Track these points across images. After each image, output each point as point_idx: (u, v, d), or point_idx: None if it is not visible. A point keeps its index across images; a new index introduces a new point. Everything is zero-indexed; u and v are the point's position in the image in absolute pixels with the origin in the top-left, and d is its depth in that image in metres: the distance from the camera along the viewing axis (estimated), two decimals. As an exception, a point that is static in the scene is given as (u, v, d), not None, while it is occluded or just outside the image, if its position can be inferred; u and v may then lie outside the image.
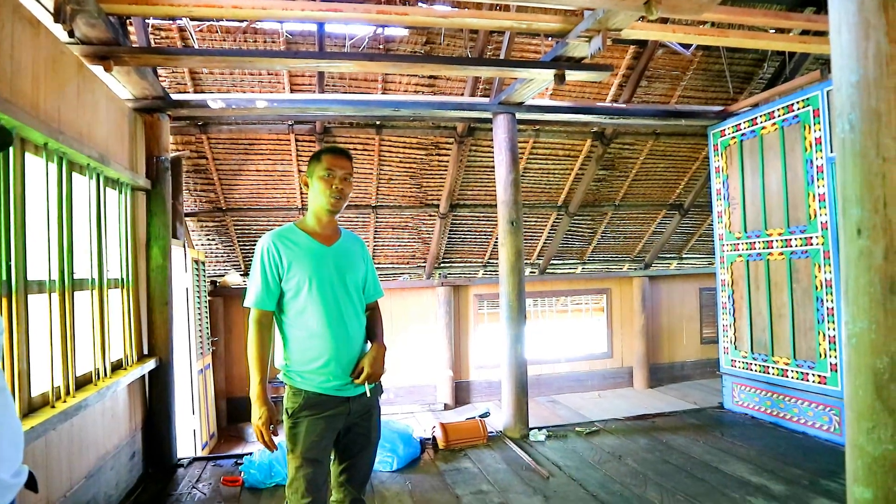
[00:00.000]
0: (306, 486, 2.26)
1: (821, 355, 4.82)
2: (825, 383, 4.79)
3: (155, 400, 4.59)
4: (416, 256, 8.33)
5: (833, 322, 4.72)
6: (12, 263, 2.66)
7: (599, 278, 9.08)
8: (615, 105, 6.54)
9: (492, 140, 5.63)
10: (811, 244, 4.91)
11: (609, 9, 3.53)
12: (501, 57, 5.83)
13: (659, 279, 9.12)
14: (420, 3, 5.32)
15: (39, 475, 1.97)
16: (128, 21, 4.72)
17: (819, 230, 4.83)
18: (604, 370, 8.85)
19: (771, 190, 5.33)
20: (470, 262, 8.62)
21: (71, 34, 3.43)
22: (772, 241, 5.32)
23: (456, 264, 8.59)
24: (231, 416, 7.24)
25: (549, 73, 4.47)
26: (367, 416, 2.44)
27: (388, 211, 7.61)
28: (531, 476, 4.25)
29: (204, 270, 6.62)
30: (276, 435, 2.34)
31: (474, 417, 5.42)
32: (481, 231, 8.19)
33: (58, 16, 3.10)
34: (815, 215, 4.87)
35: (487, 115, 5.47)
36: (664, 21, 4.84)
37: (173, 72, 5.70)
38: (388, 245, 8.11)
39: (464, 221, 8.00)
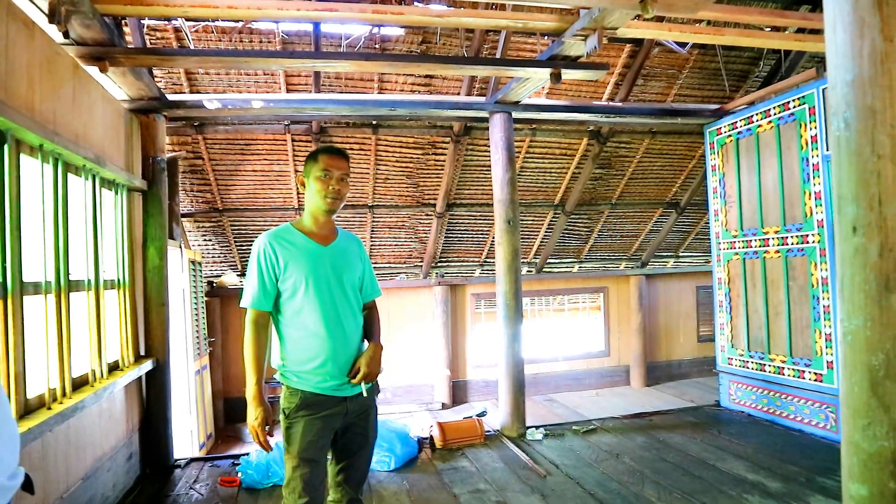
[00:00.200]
0: (303, 486, 2.25)
1: (817, 353, 4.83)
2: (821, 381, 4.80)
3: (152, 401, 4.58)
4: (412, 256, 8.33)
5: (829, 320, 4.73)
6: (8, 265, 2.65)
7: (596, 277, 9.09)
8: (611, 104, 6.54)
9: (488, 139, 5.63)
10: (807, 242, 4.92)
11: (605, 7, 3.53)
12: (497, 56, 5.84)
13: (656, 277, 9.13)
14: (416, 3, 5.32)
15: (36, 477, 1.97)
16: (123, 22, 4.70)
17: (815, 228, 4.85)
18: (601, 369, 8.85)
19: (767, 188, 5.34)
20: (467, 261, 8.63)
21: (66, 35, 3.42)
22: (768, 239, 5.33)
23: (453, 263, 8.59)
24: (228, 416, 7.23)
25: (545, 72, 4.48)
26: (365, 415, 2.44)
27: (384, 210, 7.61)
28: (528, 475, 4.25)
29: (201, 271, 6.60)
30: (271, 435, 2.34)
31: (472, 416, 5.43)
32: (478, 230, 8.20)
33: (52, 17, 3.09)
34: (812, 213, 4.88)
35: (484, 114, 5.47)
36: (660, 19, 4.85)
37: (169, 72, 5.69)
38: (384, 244, 8.10)
39: (461, 221, 8.00)
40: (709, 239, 6.30)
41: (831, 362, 4.71)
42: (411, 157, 7.11)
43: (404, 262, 8.40)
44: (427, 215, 7.78)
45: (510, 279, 5.30)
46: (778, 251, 5.22)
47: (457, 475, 4.28)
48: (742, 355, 5.67)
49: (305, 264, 2.35)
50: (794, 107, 5.03)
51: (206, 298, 6.88)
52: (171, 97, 4.93)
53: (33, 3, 3.12)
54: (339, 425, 2.37)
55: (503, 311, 5.31)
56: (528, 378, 5.59)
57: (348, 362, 2.37)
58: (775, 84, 5.80)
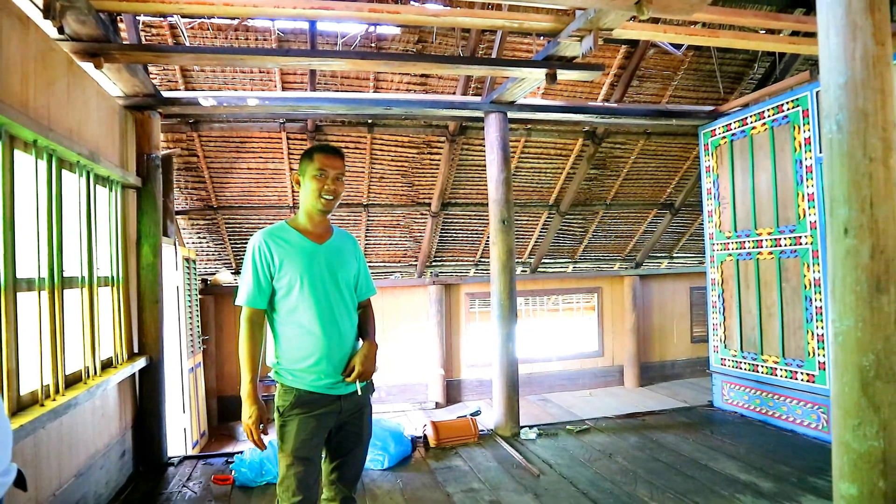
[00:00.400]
0: (297, 485, 2.25)
1: (809, 354, 4.86)
2: (814, 382, 4.83)
3: (145, 398, 4.57)
4: (407, 255, 8.33)
5: (821, 321, 4.76)
6: (1, 261, 2.65)
7: (590, 277, 9.11)
8: (607, 104, 6.56)
9: (483, 139, 5.64)
10: (800, 243, 4.94)
11: (600, 8, 3.54)
12: (493, 56, 5.85)
13: (650, 278, 9.16)
14: (412, 2, 5.32)
15: (28, 474, 1.96)
16: (118, 18, 4.69)
17: (808, 230, 4.87)
18: (595, 369, 8.88)
19: (761, 190, 5.37)
20: (461, 260, 8.63)
21: (61, 31, 3.41)
22: (761, 240, 5.36)
23: (447, 263, 8.60)
24: (222, 414, 7.22)
25: (540, 73, 4.49)
26: (359, 414, 2.44)
27: (379, 209, 7.60)
28: (522, 474, 4.26)
29: (195, 268, 6.59)
30: (266, 433, 2.34)
31: (465, 416, 5.44)
32: (473, 230, 8.20)
33: (47, 12, 3.08)
34: (805, 215, 4.90)
35: (479, 113, 5.48)
36: (655, 21, 4.86)
37: (164, 69, 5.67)
38: (379, 243, 8.10)
39: (455, 220, 8.01)
40: (703, 240, 6.33)
41: (823, 363, 4.74)
42: (406, 157, 7.11)
43: (399, 262, 8.40)
44: (422, 214, 7.78)
45: (504, 279, 5.31)
46: (771, 252, 5.25)
47: (450, 474, 4.29)
48: (735, 356, 5.69)
49: (300, 262, 2.35)
50: (788, 109, 5.06)
51: (200, 296, 6.87)
52: (166, 94, 4.92)
53: (28, -2, 3.12)
54: (334, 424, 2.37)
55: (497, 310, 5.32)
56: (522, 378, 5.60)
57: (343, 361, 2.37)
58: (769, 86, 5.83)
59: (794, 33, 5.22)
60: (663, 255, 9.75)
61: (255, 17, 4.98)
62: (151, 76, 5.51)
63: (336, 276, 2.40)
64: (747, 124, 5.52)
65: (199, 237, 7.47)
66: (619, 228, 8.98)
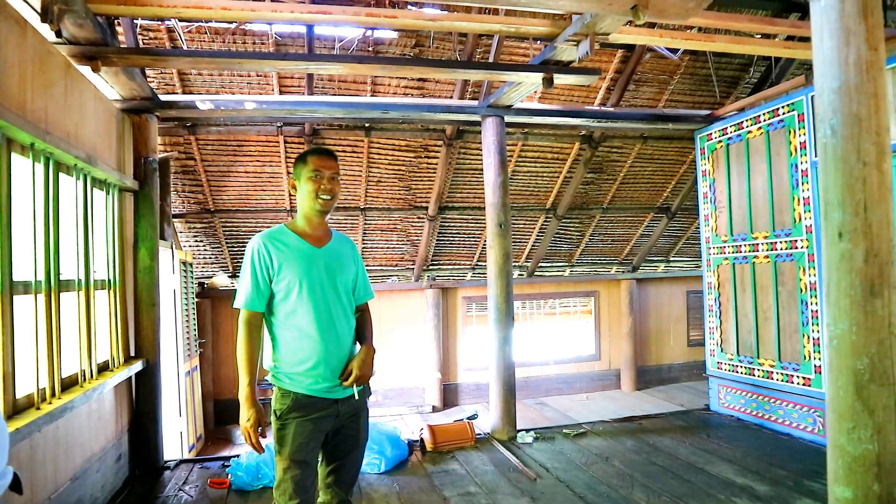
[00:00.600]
0: (294, 488, 2.25)
1: (805, 357, 4.87)
2: (810, 385, 4.84)
3: (142, 402, 4.56)
4: (404, 259, 8.34)
5: (817, 324, 4.77)
6: (-2, 264, 2.65)
7: (587, 281, 9.11)
8: (603, 108, 6.58)
9: (480, 143, 5.65)
10: (796, 247, 4.96)
11: (597, 13, 3.56)
12: (490, 60, 5.86)
13: (646, 282, 9.16)
14: (409, 6, 5.33)
15: (24, 477, 1.96)
16: (116, 21, 4.70)
17: (804, 234, 4.89)
18: (591, 372, 8.87)
19: (757, 194, 5.39)
20: (458, 264, 8.64)
21: (58, 34, 3.42)
22: (757, 244, 5.37)
23: (444, 267, 8.60)
24: (218, 418, 7.20)
25: (537, 77, 4.50)
26: (356, 417, 2.45)
27: (376, 213, 7.61)
28: (519, 478, 4.26)
29: (192, 272, 6.58)
30: (264, 437, 2.34)
31: (462, 419, 5.43)
32: (470, 233, 8.21)
33: (45, 15, 3.08)
34: (800, 219, 4.92)
35: (476, 117, 5.49)
36: (651, 26, 4.89)
37: (161, 72, 5.68)
38: (376, 247, 8.11)
39: (452, 224, 8.02)
40: (699, 244, 6.34)
41: (819, 367, 4.75)
42: (404, 160, 7.12)
43: (396, 265, 8.41)
44: (419, 218, 7.79)
45: (501, 282, 5.32)
46: (767, 256, 5.26)
47: (447, 478, 4.29)
48: (731, 359, 5.70)
49: (299, 266, 2.35)
50: (784, 113, 5.08)
51: (196, 299, 6.86)
52: (163, 97, 4.92)
53: (26, 1, 3.12)
54: (331, 427, 2.37)
55: (494, 314, 5.33)
56: (518, 381, 5.60)
57: (340, 364, 2.37)
58: (765, 90, 5.84)
59: (790, 38, 5.25)
60: (660, 258, 9.77)
61: (252, 20, 4.99)
62: (149, 79, 5.52)
63: (335, 280, 2.41)
64: (743, 128, 5.54)
65: (196, 240, 7.47)
66: (615, 232, 9.00)
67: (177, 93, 5.78)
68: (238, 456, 4.40)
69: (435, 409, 7.85)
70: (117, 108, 4.51)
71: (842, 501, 2.07)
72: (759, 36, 5.30)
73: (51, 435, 3.11)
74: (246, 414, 2.26)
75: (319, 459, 2.42)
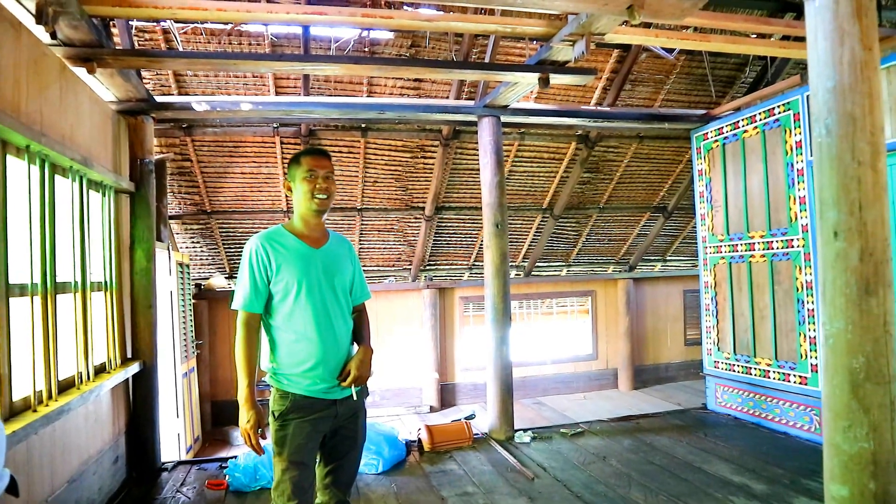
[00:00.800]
0: (292, 489, 2.25)
1: (802, 356, 4.88)
2: (806, 384, 4.85)
3: (139, 403, 4.56)
4: (401, 259, 8.34)
5: (814, 323, 4.78)
6: (-6, 266, 2.64)
7: (584, 280, 9.12)
8: (599, 108, 6.59)
9: (477, 143, 5.66)
10: (792, 246, 4.97)
11: (592, 13, 3.56)
12: (486, 60, 5.86)
13: (643, 281, 9.18)
14: (405, 7, 5.33)
15: (20, 480, 1.96)
16: (111, 23, 4.69)
17: (800, 233, 4.90)
18: (589, 372, 8.88)
19: (753, 193, 5.40)
20: (455, 264, 8.64)
21: (53, 36, 3.41)
22: (754, 243, 5.39)
23: (441, 267, 8.60)
24: (216, 419, 7.19)
25: (533, 77, 4.51)
26: (354, 418, 2.45)
27: (373, 213, 7.61)
28: (516, 477, 4.27)
29: (188, 273, 6.57)
30: (264, 438, 2.34)
31: (460, 419, 5.44)
32: (467, 234, 8.21)
33: (40, 17, 3.07)
34: (796, 218, 4.93)
35: (472, 117, 5.49)
36: (647, 25, 4.90)
37: (157, 74, 5.67)
38: (373, 247, 8.10)
39: (449, 224, 8.02)
40: (696, 243, 6.35)
41: (815, 365, 4.76)
42: (400, 161, 7.12)
43: (393, 266, 8.41)
44: (416, 218, 7.79)
45: (498, 282, 5.32)
46: (763, 255, 5.28)
47: (445, 478, 4.29)
48: (728, 358, 5.72)
49: (297, 267, 2.35)
50: (780, 113, 5.09)
51: (193, 301, 6.85)
52: (159, 99, 4.92)
53: (20, 3, 3.12)
54: (329, 428, 2.37)
55: (491, 314, 5.33)
56: (516, 381, 5.60)
57: (339, 365, 2.37)
58: (761, 90, 5.86)
59: (785, 38, 5.26)
60: (657, 258, 9.78)
61: (248, 21, 4.98)
62: (144, 81, 5.50)
63: (332, 281, 2.41)
64: (739, 128, 5.55)
65: (193, 242, 7.45)
66: (612, 232, 9.01)
67: (173, 94, 5.77)
68: (236, 457, 4.40)
69: (432, 410, 7.86)
70: (113, 109, 4.50)
71: (838, 500, 2.08)
72: (755, 36, 5.30)
73: (47, 437, 3.10)
74: (245, 416, 2.26)
75: (317, 460, 2.42)
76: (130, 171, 4.64)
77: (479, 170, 5.62)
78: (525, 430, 5.36)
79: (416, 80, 6.22)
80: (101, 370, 3.93)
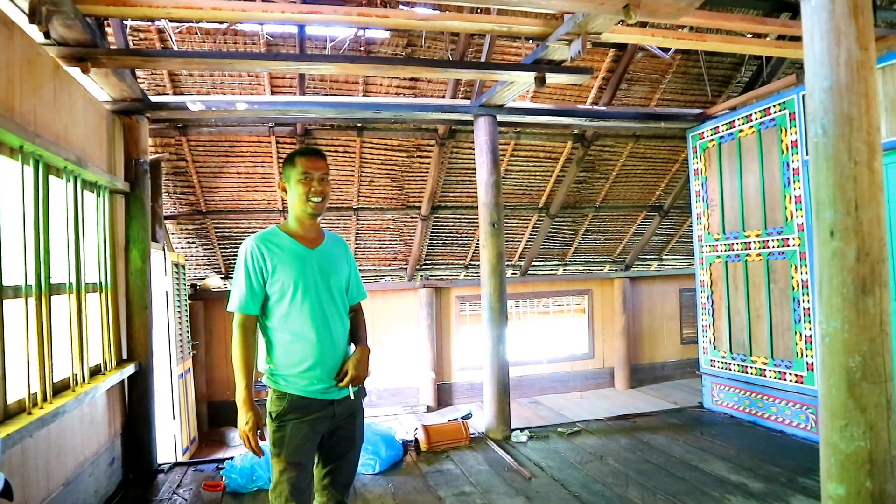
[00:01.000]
0: (290, 490, 2.25)
1: (798, 355, 4.89)
2: (802, 382, 4.86)
3: (135, 405, 4.54)
4: (397, 258, 8.33)
5: (809, 322, 4.79)
6: (-13, 268, 2.62)
7: (580, 279, 9.13)
8: (595, 107, 6.59)
9: (473, 142, 5.65)
10: (788, 245, 4.98)
11: (588, 13, 3.56)
12: (482, 59, 5.86)
13: (639, 280, 9.19)
14: (401, 6, 5.33)
15: (15, 483, 1.95)
16: (105, 22, 4.67)
17: (795, 231, 4.91)
18: (585, 371, 8.89)
19: (748, 192, 5.41)
20: (452, 264, 8.64)
21: (47, 35, 3.39)
22: (749, 242, 5.40)
23: (438, 266, 8.60)
24: (212, 420, 7.17)
25: (529, 76, 4.50)
26: (351, 418, 2.44)
27: (369, 213, 7.60)
28: (513, 477, 4.27)
29: (184, 273, 6.55)
30: (263, 440, 2.32)
31: (457, 419, 5.43)
32: (463, 233, 8.21)
33: (33, 17, 3.06)
34: (792, 217, 4.94)
35: (468, 117, 5.48)
36: (643, 25, 4.90)
37: (152, 73, 5.65)
38: (369, 247, 8.10)
39: (445, 223, 8.02)
40: (691, 242, 6.36)
41: (811, 364, 4.77)
42: (396, 160, 7.11)
43: (389, 265, 8.40)
44: (412, 218, 7.79)
45: (495, 282, 5.32)
46: (759, 254, 5.28)
47: (442, 478, 4.28)
48: (724, 357, 5.73)
49: (293, 268, 2.34)
50: (775, 112, 5.10)
51: (189, 301, 6.83)
52: (153, 98, 4.90)
53: (13, 2, 3.10)
54: (326, 429, 2.37)
55: (488, 313, 5.33)
56: (512, 380, 5.60)
57: (336, 365, 2.37)
58: (757, 89, 5.87)
59: (781, 37, 5.27)
60: (653, 257, 9.80)
61: (243, 21, 4.97)
62: (139, 80, 5.49)
63: (328, 281, 2.40)
64: (735, 127, 5.56)
65: (188, 242, 7.43)
66: (608, 231, 9.02)
67: (167, 94, 5.75)
68: (232, 458, 4.39)
69: (429, 409, 7.85)
70: (107, 109, 4.48)
71: (835, 498, 2.08)
72: (751, 35, 5.31)
73: (42, 440, 3.08)
74: (244, 418, 2.25)
75: (315, 461, 2.42)
76: (125, 171, 4.62)
77: (475, 169, 5.61)
78: (522, 430, 5.36)
79: (411, 79, 6.21)
80: (96, 372, 3.91)
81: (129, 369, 4.32)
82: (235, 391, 2.28)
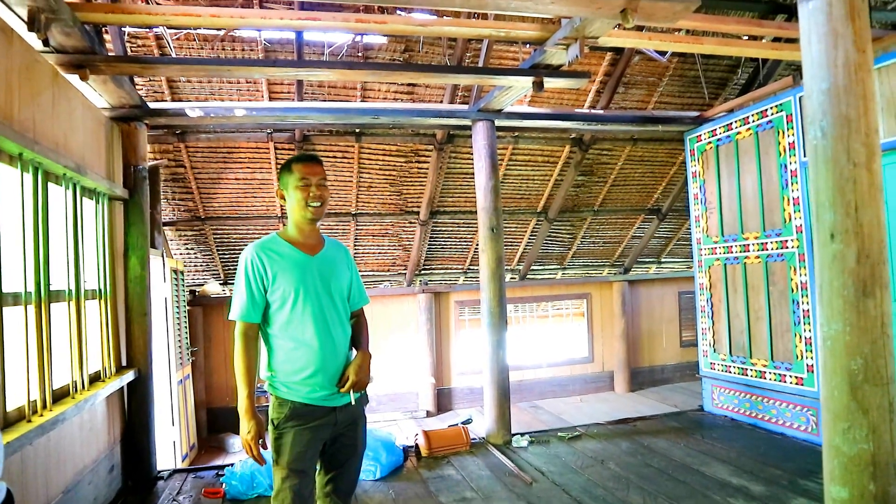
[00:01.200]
0: (292, 498, 2.24)
1: (797, 357, 4.89)
2: (802, 384, 4.86)
3: (134, 412, 4.53)
4: (396, 264, 8.32)
5: (809, 324, 4.80)
6: (-13, 276, 2.62)
7: (579, 283, 9.14)
8: (593, 111, 6.60)
9: (471, 147, 5.65)
10: (786, 247, 4.99)
11: (586, 17, 3.57)
12: (480, 64, 5.87)
13: (638, 283, 9.20)
14: (399, 12, 5.33)
15: (15, 491, 1.94)
16: (103, 29, 4.67)
17: (794, 233, 4.92)
18: (585, 374, 8.89)
19: (747, 194, 5.42)
20: (450, 268, 8.63)
21: (46, 43, 3.39)
22: (748, 244, 5.40)
23: (436, 271, 8.59)
24: (211, 426, 7.15)
25: (527, 81, 4.51)
26: (354, 425, 2.43)
27: (368, 218, 7.60)
28: (514, 482, 4.26)
29: (183, 280, 6.54)
30: (265, 448, 2.32)
31: (457, 424, 5.42)
32: (462, 238, 8.21)
33: (32, 24, 3.05)
34: (790, 219, 4.95)
35: (467, 122, 5.49)
36: (640, 29, 4.90)
37: (150, 80, 5.65)
38: (368, 252, 8.09)
39: (444, 228, 8.02)
40: (690, 245, 6.36)
41: (811, 366, 4.77)
42: (394, 165, 7.12)
43: (388, 271, 8.39)
44: (410, 223, 7.79)
45: (494, 286, 5.31)
46: (758, 256, 5.29)
47: (443, 483, 4.27)
48: (724, 360, 5.72)
49: (294, 275, 2.33)
50: (772, 114, 5.11)
51: (188, 307, 6.82)
52: (152, 105, 4.89)
53: (12, 10, 3.10)
54: (329, 436, 2.36)
55: (487, 318, 5.32)
56: (512, 385, 5.59)
57: (338, 372, 2.36)
58: (753, 91, 5.88)
59: (777, 39, 5.28)
60: (651, 260, 9.80)
61: (241, 27, 4.97)
62: (137, 87, 5.49)
63: (329, 288, 2.40)
64: (732, 129, 5.57)
65: (187, 248, 7.42)
66: (607, 234, 9.02)
67: (166, 100, 5.75)
68: (232, 465, 4.37)
69: (429, 414, 7.85)
70: (106, 116, 4.48)
71: (838, 501, 2.08)
72: (747, 38, 5.33)
73: (42, 447, 3.07)
74: (246, 426, 2.24)
75: (317, 468, 2.41)
76: (124, 177, 4.62)
77: (473, 174, 5.61)
78: (522, 435, 5.34)
79: (409, 84, 6.22)
80: (95, 379, 3.91)
81: (129, 376, 4.31)
82: (237, 399, 2.27)
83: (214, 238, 7.35)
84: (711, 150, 5.86)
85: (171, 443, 5.64)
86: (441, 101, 6.37)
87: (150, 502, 4.11)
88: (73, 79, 3.77)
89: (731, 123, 5.58)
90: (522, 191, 7.90)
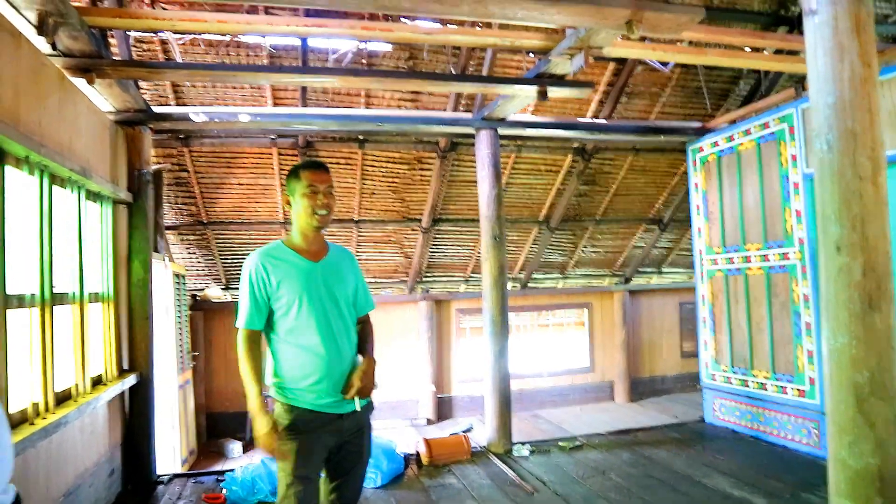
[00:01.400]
0: (297, 504, 2.23)
1: (799, 369, 4.89)
2: (804, 396, 4.85)
3: (135, 416, 4.52)
4: (398, 271, 8.32)
5: (811, 336, 4.79)
6: (-8, 278, 2.62)
7: (580, 293, 9.13)
8: (596, 121, 6.62)
9: (474, 155, 5.66)
10: (788, 259, 4.99)
11: (591, 27, 3.59)
12: (484, 73, 5.88)
13: (639, 293, 9.19)
14: (404, 20, 5.36)
15: (19, 495, 1.92)
16: (109, 34, 4.69)
17: (796, 245, 4.92)
18: (585, 384, 8.87)
19: (748, 205, 5.42)
20: (452, 276, 8.63)
21: (53, 46, 3.41)
22: (750, 255, 5.40)
23: (438, 279, 8.59)
24: (211, 431, 7.11)
25: (531, 90, 4.52)
26: (359, 433, 2.43)
27: (370, 225, 7.60)
28: (516, 491, 4.24)
29: (185, 284, 6.54)
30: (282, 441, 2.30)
31: (458, 432, 5.41)
32: (464, 245, 8.21)
33: (41, 28, 3.07)
34: (792, 230, 4.95)
35: (470, 130, 5.50)
36: (643, 39, 4.92)
37: (155, 85, 5.65)
38: (370, 259, 8.08)
39: (446, 236, 8.01)
40: (692, 255, 6.37)
41: (813, 378, 4.76)
42: (397, 172, 7.12)
43: (390, 277, 8.38)
44: (413, 230, 7.79)
45: (496, 295, 5.31)
46: (760, 268, 5.29)
47: (444, 492, 4.26)
48: (725, 371, 5.72)
49: (298, 282, 2.33)
50: (775, 125, 5.12)
51: (189, 312, 6.81)
52: (157, 109, 4.91)
53: (21, 14, 3.11)
54: (334, 443, 2.35)
55: (489, 326, 5.32)
56: (512, 393, 5.58)
57: (343, 378, 2.34)
58: (755, 103, 5.91)
59: (779, 51, 5.30)
60: (652, 270, 9.79)
61: (247, 33, 4.99)
62: (142, 91, 5.49)
63: (334, 294, 2.39)
64: (734, 140, 5.59)
65: (189, 253, 7.42)
66: (608, 244, 9.02)
67: (170, 105, 5.76)
68: (233, 470, 4.37)
69: (429, 422, 7.82)
70: (111, 120, 4.50)
71: (843, 515, 2.07)
72: (749, 49, 5.35)
73: (44, 450, 3.06)
74: (260, 422, 2.22)
75: (322, 475, 2.40)
76: (128, 181, 4.63)
77: (476, 181, 5.62)
78: (523, 444, 5.33)
79: (413, 92, 6.23)
80: (97, 382, 3.90)
81: (130, 380, 4.31)
82: (247, 400, 2.26)
83: (216, 243, 7.35)
84: (713, 161, 5.87)
85: (171, 447, 5.63)
86: (445, 109, 6.38)
87: (149, 507, 4.10)
88: (79, 82, 3.79)
89: (734, 134, 5.59)
90: (525, 199, 7.90)
